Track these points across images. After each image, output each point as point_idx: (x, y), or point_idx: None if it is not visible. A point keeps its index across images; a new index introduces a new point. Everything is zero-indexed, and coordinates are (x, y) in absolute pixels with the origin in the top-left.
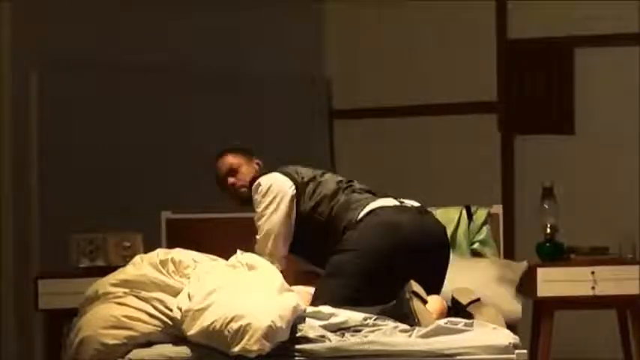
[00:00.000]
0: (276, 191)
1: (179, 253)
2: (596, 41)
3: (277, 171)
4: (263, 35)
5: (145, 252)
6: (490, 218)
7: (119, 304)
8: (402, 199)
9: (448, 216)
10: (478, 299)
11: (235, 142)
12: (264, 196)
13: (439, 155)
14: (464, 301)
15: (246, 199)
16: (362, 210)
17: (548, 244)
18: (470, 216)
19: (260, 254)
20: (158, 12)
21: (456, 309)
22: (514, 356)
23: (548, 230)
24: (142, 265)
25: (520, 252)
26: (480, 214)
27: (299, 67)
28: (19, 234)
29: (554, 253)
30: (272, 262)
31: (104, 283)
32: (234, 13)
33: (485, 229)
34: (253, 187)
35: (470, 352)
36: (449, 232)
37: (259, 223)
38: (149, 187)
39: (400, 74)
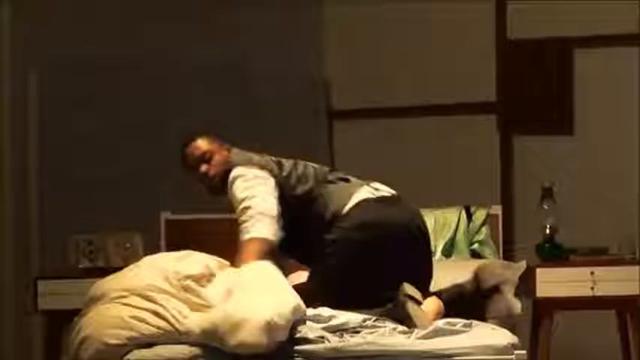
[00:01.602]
0: (261, 174)
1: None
2: (596, 42)
3: (252, 163)
4: (263, 35)
5: (145, 252)
6: (489, 219)
7: (124, 304)
8: (376, 186)
9: (447, 216)
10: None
11: (235, 142)
12: (247, 180)
13: (439, 155)
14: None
15: (215, 189)
16: (346, 202)
17: (547, 245)
18: (469, 216)
19: (252, 251)
20: (158, 12)
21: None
22: (513, 357)
23: (548, 231)
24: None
25: (519, 252)
26: (479, 215)
27: (299, 68)
28: (19, 234)
29: (554, 254)
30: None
31: (109, 288)
32: (235, 13)
33: (484, 229)
34: (230, 178)
35: (469, 352)
36: (448, 232)
37: (249, 204)
38: (149, 187)
39: (400, 74)
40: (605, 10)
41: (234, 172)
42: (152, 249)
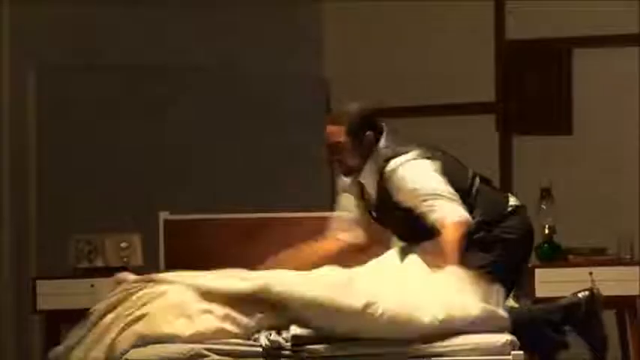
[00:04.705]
0: (431, 168)
1: None
2: (595, 42)
3: (416, 154)
4: (263, 35)
5: (143, 252)
6: None
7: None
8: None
9: None
10: None
11: (235, 142)
12: (422, 174)
13: None
14: None
15: (348, 174)
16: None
17: (546, 245)
18: None
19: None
20: (158, 12)
21: None
22: (510, 357)
23: (547, 231)
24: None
25: None
26: None
27: (299, 67)
28: (18, 235)
29: (553, 254)
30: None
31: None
32: (234, 12)
33: None
34: (400, 171)
35: (466, 351)
36: None
37: (440, 192)
38: (148, 187)
39: (400, 74)
40: (605, 10)
41: (402, 168)
42: (151, 249)
